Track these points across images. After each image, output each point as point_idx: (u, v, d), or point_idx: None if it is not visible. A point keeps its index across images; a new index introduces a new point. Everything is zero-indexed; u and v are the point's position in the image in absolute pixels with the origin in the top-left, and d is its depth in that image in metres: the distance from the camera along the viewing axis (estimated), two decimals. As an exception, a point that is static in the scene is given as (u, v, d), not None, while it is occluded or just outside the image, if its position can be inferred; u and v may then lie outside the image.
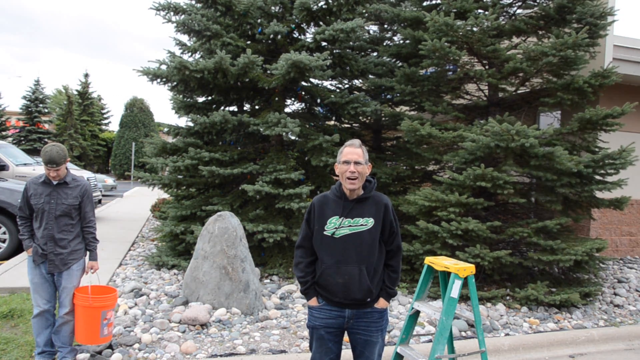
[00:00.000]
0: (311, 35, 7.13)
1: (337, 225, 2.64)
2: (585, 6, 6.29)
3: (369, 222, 2.64)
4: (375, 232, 2.65)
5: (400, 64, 8.21)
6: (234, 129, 6.96)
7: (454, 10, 6.54)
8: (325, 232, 2.66)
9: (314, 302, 2.73)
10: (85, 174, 13.12)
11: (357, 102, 7.09)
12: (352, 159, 2.63)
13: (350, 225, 2.64)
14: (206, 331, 4.62)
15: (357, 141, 2.73)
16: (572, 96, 6.25)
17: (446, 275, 3.52)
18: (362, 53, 9.09)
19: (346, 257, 2.62)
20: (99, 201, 14.46)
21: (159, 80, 7.06)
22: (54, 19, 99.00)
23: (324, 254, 2.67)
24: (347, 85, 8.93)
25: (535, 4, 7.15)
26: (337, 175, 2.75)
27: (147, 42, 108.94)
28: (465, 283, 3.39)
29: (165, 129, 7.92)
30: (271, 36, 7.08)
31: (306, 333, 4.62)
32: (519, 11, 7.39)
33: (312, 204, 2.77)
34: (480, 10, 6.76)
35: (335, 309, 2.68)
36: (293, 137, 7.14)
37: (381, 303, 2.72)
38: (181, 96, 7.79)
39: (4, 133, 31.06)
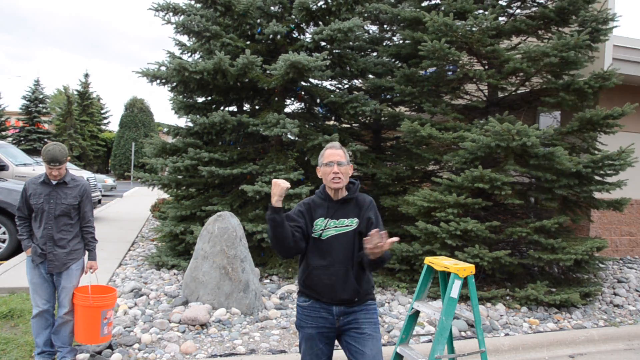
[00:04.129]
0: (310, 36, 7.14)
1: (322, 227, 2.65)
2: (587, 11, 6.30)
3: (354, 222, 2.65)
4: (360, 232, 2.65)
5: (399, 64, 8.21)
6: (234, 129, 6.96)
7: (454, 10, 6.54)
8: (313, 235, 2.66)
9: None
10: (84, 174, 13.11)
11: (357, 102, 7.09)
12: (335, 160, 2.64)
13: (335, 227, 2.65)
14: (206, 331, 4.61)
15: (337, 143, 2.75)
16: (572, 97, 6.25)
17: (446, 275, 3.52)
18: (362, 53, 9.09)
19: (333, 258, 2.62)
20: (99, 201, 14.45)
21: (158, 81, 7.06)
22: (47, 18, 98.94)
23: (311, 255, 2.66)
24: (346, 85, 8.93)
25: (535, 4, 7.15)
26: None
27: (143, 41, 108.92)
28: (465, 283, 3.39)
29: (165, 129, 7.92)
30: (270, 36, 7.08)
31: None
32: (518, 11, 7.39)
33: (299, 205, 2.73)
34: (480, 11, 6.76)
35: (324, 306, 2.66)
36: (292, 137, 7.14)
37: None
38: (181, 97, 7.79)
39: (3, 133, 31.05)
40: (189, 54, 8.12)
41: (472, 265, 3.44)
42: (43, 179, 3.76)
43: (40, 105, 32.35)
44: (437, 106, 6.91)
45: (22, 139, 31.30)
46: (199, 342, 4.37)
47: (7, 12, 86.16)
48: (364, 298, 2.68)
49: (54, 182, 3.75)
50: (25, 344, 4.16)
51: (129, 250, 8.21)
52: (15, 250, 7.63)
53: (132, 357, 4.00)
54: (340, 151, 2.69)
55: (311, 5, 6.81)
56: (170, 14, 7.03)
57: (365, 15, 8.20)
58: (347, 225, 2.65)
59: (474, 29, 6.31)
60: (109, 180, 20.24)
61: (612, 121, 6.00)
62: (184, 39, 7.74)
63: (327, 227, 2.65)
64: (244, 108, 8.03)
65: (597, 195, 6.43)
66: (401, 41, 8.37)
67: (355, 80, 8.95)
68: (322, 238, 2.64)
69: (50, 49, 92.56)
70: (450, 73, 7.21)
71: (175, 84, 7.05)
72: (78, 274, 3.87)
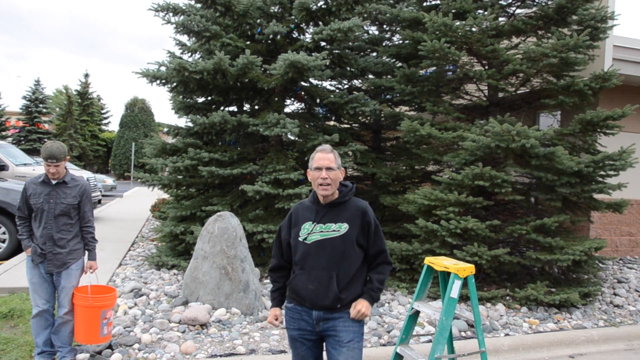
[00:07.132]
0: (310, 36, 7.14)
1: (309, 231, 2.60)
2: (587, 9, 6.29)
3: (342, 227, 2.58)
4: (349, 238, 2.57)
5: (399, 64, 8.21)
6: (234, 129, 6.97)
7: (453, 10, 6.54)
8: (299, 238, 2.63)
9: (272, 312, 2.76)
10: (84, 174, 13.12)
11: (356, 102, 7.09)
12: (324, 165, 2.57)
13: (321, 231, 2.58)
14: (206, 331, 4.62)
15: (327, 146, 2.67)
16: (572, 98, 6.25)
17: (446, 275, 3.52)
18: (362, 53, 9.09)
19: (317, 263, 2.57)
20: (99, 201, 14.46)
21: (158, 81, 7.06)
22: (43, 17, 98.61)
23: (297, 259, 2.64)
24: (346, 86, 8.94)
25: (535, 3, 7.15)
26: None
27: (140, 41, 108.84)
28: (465, 283, 3.39)
29: (165, 130, 7.93)
30: (270, 36, 7.08)
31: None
32: (518, 11, 7.39)
33: (290, 211, 2.76)
34: (479, 11, 6.76)
35: (305, 310, 2.63)
36: (292, 137, 7.14)
37: (360, 303, 2.57)
38: (181, 97, 7.79)
39: (4, 133, 31.08)
40: (189, 53, 8.12)
41: (472, 266, 3.43)
42: (43, 178, 3.77)
43: (41, 105, 32.38)
44: (439, 106, 6.91)
45: (22, 139, 31.32)
46: (199, 342, 4.37)
47: (3, 11, 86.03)
48: (347, 306, 2.59)
49: (53, 182, 3.75)
50: (25, 344, 4.16)
51: (129, 250, 8.21)
52: (15, 250, 7.63)
53: (132, 357, 4.00)
54: (330, 155, 2.61)
55: (311, 5, 6.81)
56: (170, 14, 7.03)
57: (365, 15, 8.21)
58: (334, 231, 2.58)
59: (473, 29, 6.31)
60: (109, 180, 20.26)
61: (612, 122, 6.00)
62: (184, 38, 7.75)
63: (313, 232, 2.59)
64: (244, 108, 8.03)
65: (598, 196, 6.42)
66: (401, 41, 8.37)
67: (355, 81, 8.96)
68: (307, 242, 2.59)
69: (47, 49, 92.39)
70: (450, 73, 7.21)
71: (175, 84, 7.05)
72: (78, 274, 3.87)
